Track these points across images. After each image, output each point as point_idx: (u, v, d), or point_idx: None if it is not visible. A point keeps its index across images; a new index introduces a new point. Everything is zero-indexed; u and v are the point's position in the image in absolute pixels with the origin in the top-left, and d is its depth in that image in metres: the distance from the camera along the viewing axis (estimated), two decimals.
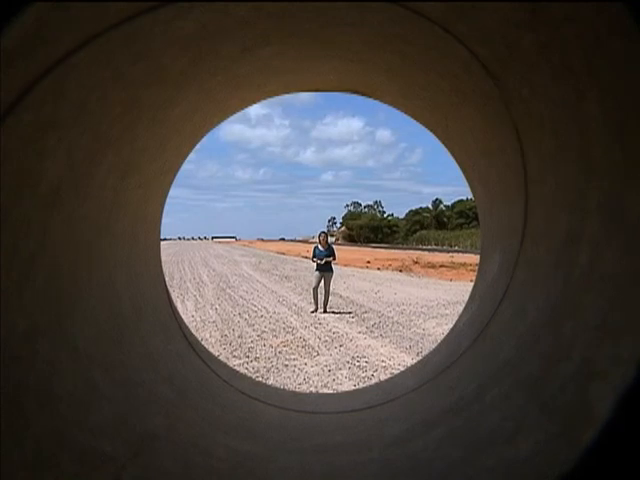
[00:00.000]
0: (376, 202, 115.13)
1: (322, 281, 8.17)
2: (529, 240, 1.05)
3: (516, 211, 1.11)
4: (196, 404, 1.17)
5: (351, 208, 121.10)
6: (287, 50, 1.12)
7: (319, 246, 8.31)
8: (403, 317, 7.75)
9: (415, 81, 1.22)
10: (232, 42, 1.02)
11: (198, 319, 7.42)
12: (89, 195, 1.00)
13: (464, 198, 77.81)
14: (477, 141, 1.29)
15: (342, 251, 31.03)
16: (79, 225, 0.97)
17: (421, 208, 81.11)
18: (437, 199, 78.17)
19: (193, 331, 7.44)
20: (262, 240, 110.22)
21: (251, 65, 1.15)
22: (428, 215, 76.37)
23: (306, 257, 24.28)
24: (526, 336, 0.92)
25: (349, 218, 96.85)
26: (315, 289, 8.16)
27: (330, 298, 8.49)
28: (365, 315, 7.91)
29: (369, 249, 47.60)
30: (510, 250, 1.14)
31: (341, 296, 10.27)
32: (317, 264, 8.19)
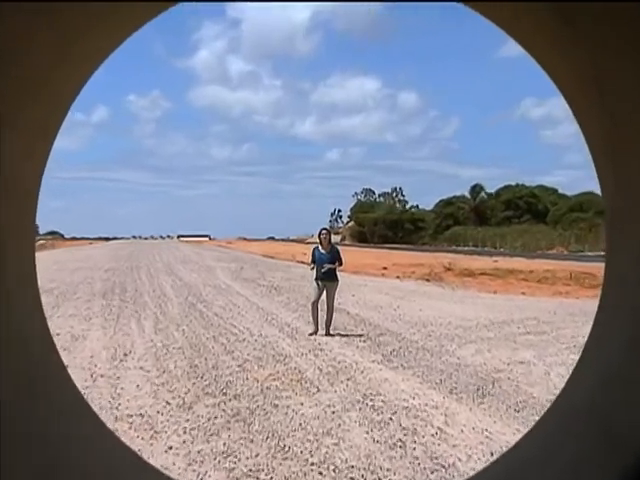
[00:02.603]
0: (395, 189, 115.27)
1: (324, 294, 8.18)
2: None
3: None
4: None
5: (362, 197, 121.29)
6: None
7: (320, 248, 8.32)
8: (431, 341, 7.76)
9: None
10: None
11: (159, 344, 7.44)
12: None
13: (512, 183, 77.88)
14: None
15: (350, 254, 31.07)
16: None
17: (456, 197, 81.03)
18: (477, 185, 77.98)
19: (152, 360, 7.43)
20: (245, 239, 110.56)
21: None
22: (465, 206, 76.38)
23: (303, 262, 24.33)
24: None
25: (359, 210, 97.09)
26: (315, 304, 8.18)
27: (334, 316, 8.51)
28: (381, 339, 7.92)
29: (386, 251, 47.73)
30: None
31: (349, 313, 10.28)
32: (317, 271, 8.20)
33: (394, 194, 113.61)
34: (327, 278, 8.14)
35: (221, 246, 63.19)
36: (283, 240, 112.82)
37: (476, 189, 78.50)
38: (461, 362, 6.53)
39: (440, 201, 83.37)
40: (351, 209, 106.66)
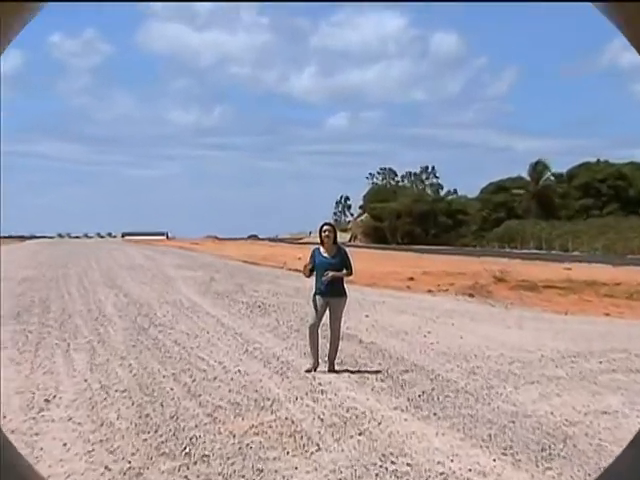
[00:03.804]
0: (426, 169, 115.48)
1: (326, 314, 8.19)
2: None
3: None
4: None
5: (379, 180, 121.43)
6: None
7: (321, 250, 8.32)
8: (476, 381, 7.76)
9: None
10: None
11: (96, 386, 7.43)
12: None
13: (592, 160, 77.72)
14: None
15: (363, 258, 30.89)
16: None
17: (510, 179, 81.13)
18: (540, 162, 78.07)
19: (86, 408, 7.43)
20: (217, 239, 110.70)
21: None
22: (523, 192, 76.43)
23: (297, 270, 24.26)
24: None
25: (376, 199, 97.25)
26: (314, 329, 8.17)
27: (341, 345, 8.50)
28: (405, 377, 7.93)
29: (413, 255, 47.62)
30: None
31: (361, 341, 10.27)
32: (317, 282, 8.20)
33: (424, 175, 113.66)
34: (331, 292, 8.12)
35: (184, 248, 63.14)
36: (270, 240, 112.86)
37: (539, 168, 78.38)
38: (519, 410, 6.51)
39: (488, 185, 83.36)
40: (364, 197, 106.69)
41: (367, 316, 13.12)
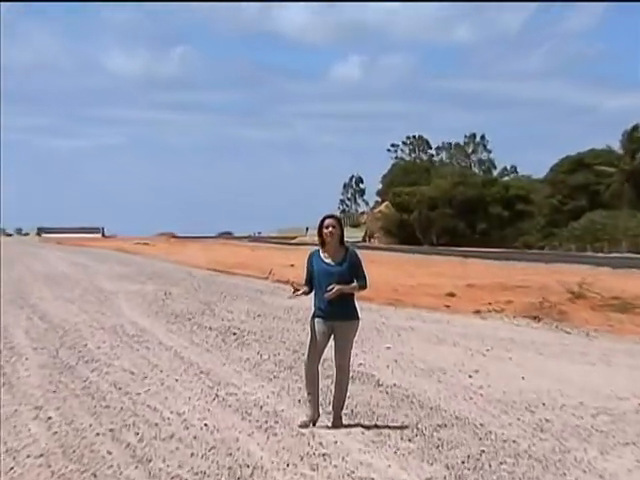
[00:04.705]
0: (473, 137, 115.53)
1: (330, 345, 8.18)
2: None
3: None
4: None
5: (407, 154, 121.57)
6: None
7: (321, 253, 8.29)
8: (544, 441, 7.75)
9: None
10: None
11: None
12: None
13: None
14: None
15: (383, 264, 30.75)
16: None
17: (594, 152, 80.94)
18: (638, 127, 77.79)
19: None
20: (174, 237, 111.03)
21: None
22: (613, 170, 76.31)
23: (288, 282, 24.15)
24: None
25: (401, 181, 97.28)
26: (312, 365, 8.16)
27: (351, 389, 8.48)
28: (443, 434, 7.93)
29: (454, 260, 47.55)
30: None
31: (380, 383, 10.31)
32: (317, 300, 8.18)
33: (470, 147, 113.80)
34: (337, 314, 8.10)
35: (127, 250, 63.30)
36: (250, 239, 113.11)
37: (636, 136, 78.16)
38: None
39: (562, 160, 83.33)
40: (384, 178, 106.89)
41: (389, 348, 13.13)
